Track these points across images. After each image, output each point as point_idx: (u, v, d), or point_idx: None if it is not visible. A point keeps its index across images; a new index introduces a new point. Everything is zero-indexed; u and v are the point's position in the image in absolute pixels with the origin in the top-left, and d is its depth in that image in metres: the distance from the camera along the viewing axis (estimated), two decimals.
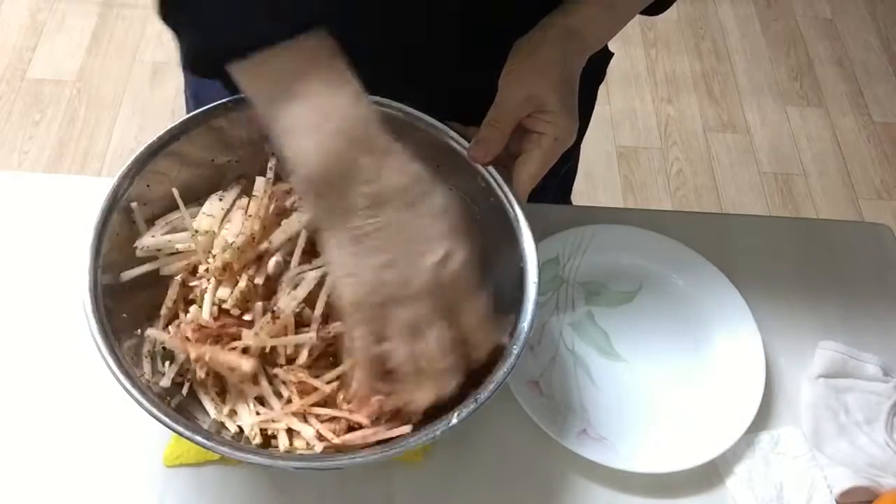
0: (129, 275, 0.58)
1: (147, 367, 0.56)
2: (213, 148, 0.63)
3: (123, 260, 0.58)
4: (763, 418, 0.68)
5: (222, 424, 0.56)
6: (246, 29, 0.50)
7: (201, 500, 0.61)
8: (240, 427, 0.56)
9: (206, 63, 0.52)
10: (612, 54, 0.84)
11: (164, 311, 0.59)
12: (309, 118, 0.50)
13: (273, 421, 0.55)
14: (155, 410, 0.50)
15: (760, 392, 0.67)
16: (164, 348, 0.58)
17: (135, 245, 0.59)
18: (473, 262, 0.53)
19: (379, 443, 0.54)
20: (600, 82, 0.87)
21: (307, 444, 0.55)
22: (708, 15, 2.31)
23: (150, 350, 0.57)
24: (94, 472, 0.61)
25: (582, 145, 0.93)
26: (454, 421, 0.51)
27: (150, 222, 0.61)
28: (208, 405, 0.56)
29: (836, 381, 0.70)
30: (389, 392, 0.53)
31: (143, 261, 0.60)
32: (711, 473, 0.65)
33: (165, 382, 0.56)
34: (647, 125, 2.04)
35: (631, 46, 2.20)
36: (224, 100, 0.61)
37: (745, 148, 2.02)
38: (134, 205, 0.59)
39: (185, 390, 0.57)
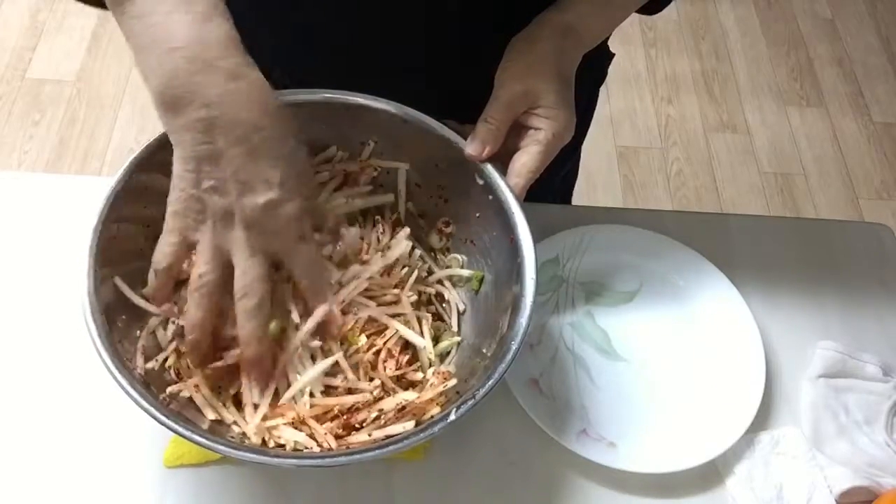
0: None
1: (142, 360, 0.56)
2: None
3: (123, 260, 0.58)
4: (763, 418, 0.68)
5: (222, 424, 0.56)
6: None
7: (201, 500, 0.61)
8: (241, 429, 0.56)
9: None
10: (612, 54, 0.84)
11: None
12: (156, 34, 0.50)
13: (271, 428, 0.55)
14: (155, 412, 0.50)
15: (760, 392, 0.67)
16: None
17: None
18: (305, 216, 0.53)
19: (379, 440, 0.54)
20: (601, 83, 0.87)
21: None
22: (708, 15, 2.31)
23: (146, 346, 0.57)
24: (95, 473, 0.61)
25: (582, 145, 0.93)
26: (452, 416, 0.51)
27: (149, 224, 0.61)
28: (206, 409, 0.56)
29: (835, 381, 0.70)
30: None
31: (143, 262, 0.60)
32: (711, 473, 0.65)
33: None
34: (647, 125, 2.04)
35: (631, 46, 2.20)
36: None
37: (745, 148, 2.02)
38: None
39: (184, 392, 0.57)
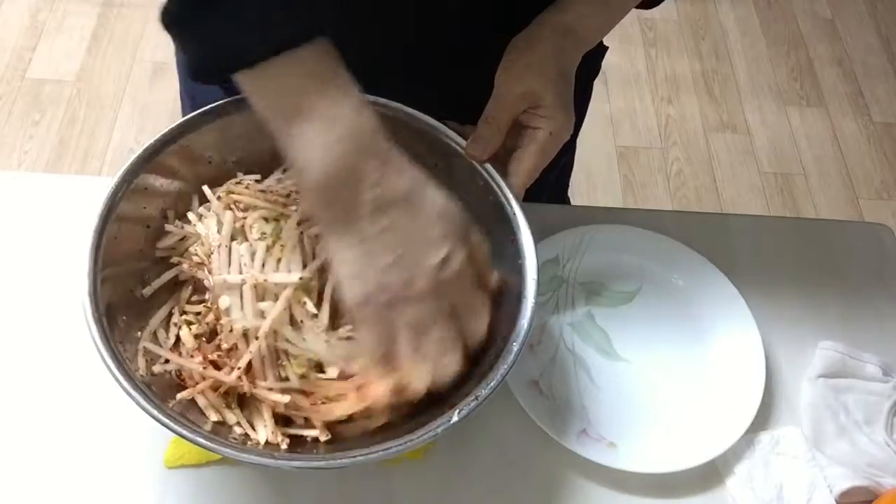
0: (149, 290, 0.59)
1: (142, 361, 0.56)
2: (213, 148, 0.63)
3: (123, 260, 0.58)
4: (763, 418, 0.68)
5: (224, 426, 0.56)
6: (254, 37, 0.50)
7: (201, 500, 0.61)
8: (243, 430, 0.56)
9: (210, 72, 0.52)
10: (606, 48, 0.84)
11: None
12: (314, 128, 0.50)
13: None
14: (156, 412, 0.50)
15: (760, 392, 0.67)
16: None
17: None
18: (471, 259, 0.54)
19: (379, 441, 0.54)
20: (595, 76, 0.87)
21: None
22: (708, 15, 2.31)
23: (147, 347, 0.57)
24: (95, 474, 0.61)
25: (582, 145, 0.93)
26: (455, 418, 0.51)
27: (149, 224, 0.61)
28: (209, 411, 0.56)
29: (835, 381, 0.70)
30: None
31: (143, 263, 0.60)
32: (711, 473, 0.65)
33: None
34: (647, 125, 2.04)
35: (631, 46, 2.20)
36: (223, 100, 0.61)
37: (745, 148, 2.02)
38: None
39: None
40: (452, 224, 0.53)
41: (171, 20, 0.50)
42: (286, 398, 0.54)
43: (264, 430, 0.55)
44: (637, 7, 0.71)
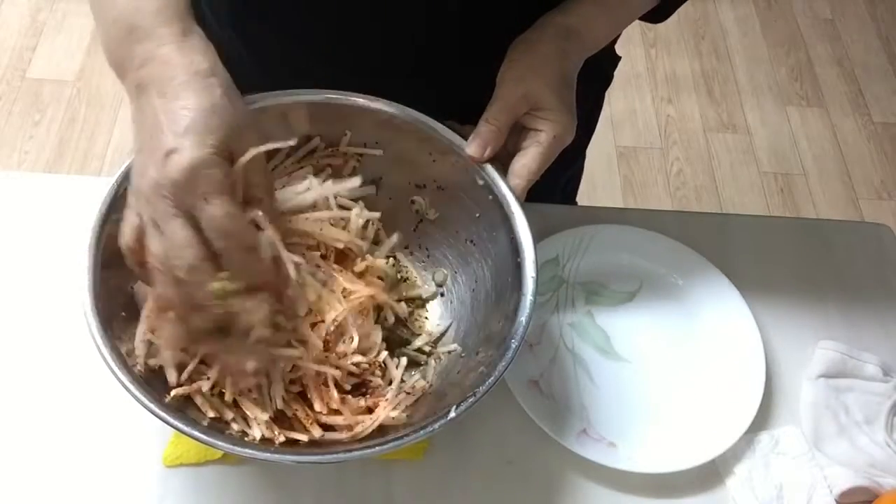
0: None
1: (142, 358, 0.56)
2: None
3: (122, 257, 0.58)
4: (763, 418, 0.68)
5: (221, 422, 0.56)
6: None
7: (200, 499, 0.61)
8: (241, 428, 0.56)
9: None
10: (619, 58, 0.84)
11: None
12: (101, 11, 0.53)
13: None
14: (155, 408, 0.50)
15: (760, 392, 0.67)
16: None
17: None
18: (216, 162, 0.48)
19: (377, 437, 0.54)
20: (607, 86, 0.87)
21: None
22: (708, 15, 2.31)
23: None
24: (94, 473, 0.61)
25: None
26: (452, 414, 0.51)
27: None
28: (206, 408, 0.56)
29: (836, 381, 0.70)
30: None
31: None
32: (711, 473, 0.65)
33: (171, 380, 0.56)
34: (647, 125, 2.04)
35: (631, 46, 2.20)
36: None
37: (745, 148, 2.02)
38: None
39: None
40: (202, 121, 0.48)
41: None
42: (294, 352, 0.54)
43: (259, 429, 0.55)
44: (643, 20, 0.71)
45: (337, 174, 0.66)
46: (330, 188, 0.59)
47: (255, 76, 0.62)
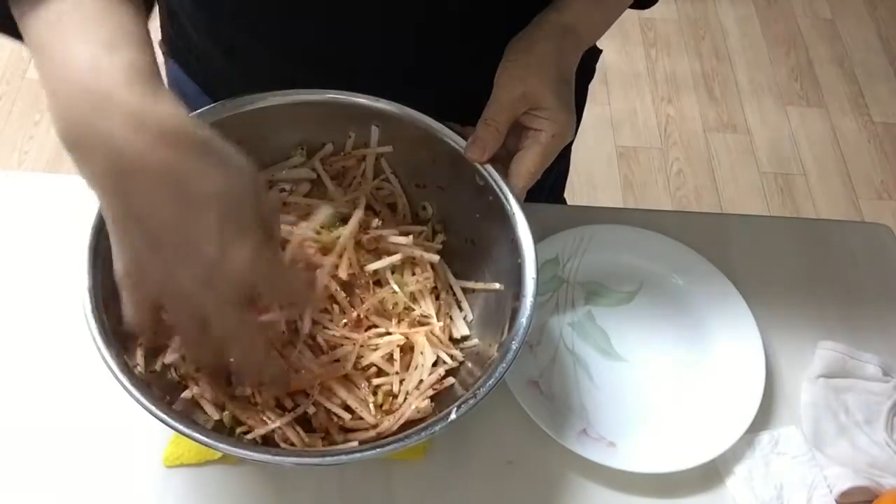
0: None
1: (142, 359, 0.56)
2: None
3: None
4: (763, 418, 0.68)
5: (222, 423, 0.56)
6: None
7: (201, 500, 0.61)
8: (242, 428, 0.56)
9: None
10: (600, 51, 0.84)
11: None
12: (54, 69, 0.42)
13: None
14: (155, 409, 0.50)
15: (760, 392, 0.67)
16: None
17: None
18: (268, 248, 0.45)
19: (377, 439, 0.54)
20: (591, 79, 0.87)
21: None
22: (708, 15, 2.31)
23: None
24: (94, 473, 0.61)
25: (582, 145, 0.93)
26: (453, 416, 0.51)
27: None
28: (208, 408, 0.56)
29: (835, 381, 0.70)
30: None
31: None
32: (711, 473, 0.65)
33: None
34: (647, 125, 2.04)
35: (631, 46, 2.20)
36: (222, 101, 0.61)
37: (745, 148, 2.02)
38: None
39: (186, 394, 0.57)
40: (232, 210, 0.43)
41: None
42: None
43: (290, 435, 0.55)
44: (632, 7, 0.71)
45: (349, 175, 0.67)
46: (306, 228, 0.58)
47: (241, 89, 0.62)
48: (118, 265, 0.45)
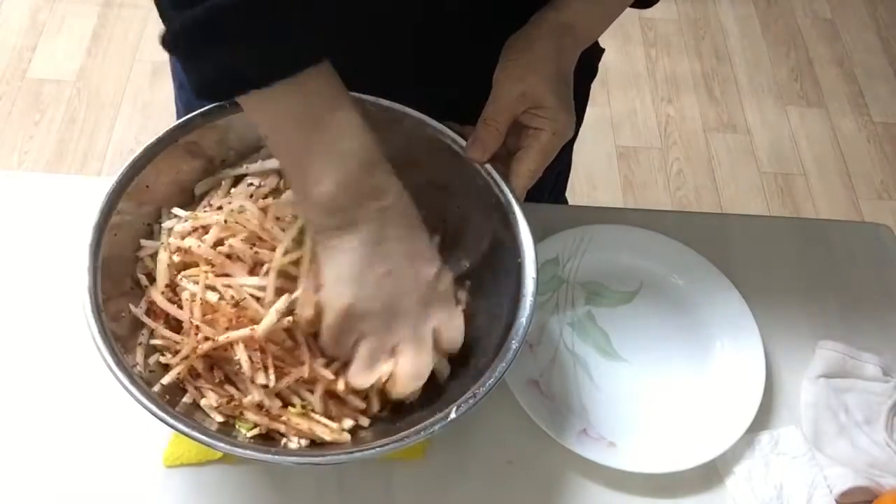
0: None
1: (142, 358, 0.56)
2: (214, 147, 0.63)
3: (122, 257, 0.58)
4: (763, 418, 0.68)
5: (228, 425, 0.56)
6: (257, 60, 0.50)
7: (201, 499, 0.61)
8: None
9: (213, 93, 0.54)
10: (602, 50, 0.84)
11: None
12: (325, 142, 0.52)
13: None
14: (155, 409, 0.50)
15: (760, 392, 0.67)
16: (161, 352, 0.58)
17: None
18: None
19: (376, 438, 0.54)
20: (593, 78, 0.87)
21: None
22: (708, 15, 2.31)
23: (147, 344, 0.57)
24: (94, 472, 0.61)
25: (582, 144, 0.92)
26: (452, 415, 0.51)
27: (149, 222, 0.61)
28: (214, 413, 0.56)
29: (835, 381, 0.70)
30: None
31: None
32: (711, 473, 0.65)
33: (166, 380, 0.56)
34: (647, 125, 2.04)
35: (631, 46, 2.20)
36: (222, 101, 0.61)
37: (745, 148, 2.02)
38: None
39: (186, 398, 0.56)
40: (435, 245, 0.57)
41: (173, 45, 0.51)
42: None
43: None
44: (633, 6, 0.71)
45: None
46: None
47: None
48: (345, 297, 0.53)
